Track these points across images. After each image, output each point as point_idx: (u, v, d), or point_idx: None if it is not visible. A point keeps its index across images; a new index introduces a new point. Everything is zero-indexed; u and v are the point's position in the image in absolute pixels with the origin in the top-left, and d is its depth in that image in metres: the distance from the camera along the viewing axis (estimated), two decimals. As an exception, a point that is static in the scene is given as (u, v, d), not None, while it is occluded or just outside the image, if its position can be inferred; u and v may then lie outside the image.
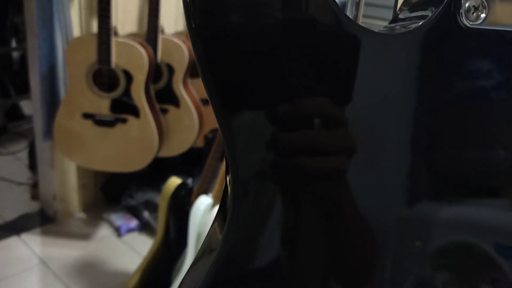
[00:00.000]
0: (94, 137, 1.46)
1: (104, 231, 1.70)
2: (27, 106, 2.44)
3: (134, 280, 1.25)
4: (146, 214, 1.72)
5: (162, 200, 1.29)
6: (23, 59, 2.36)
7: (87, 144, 1.48)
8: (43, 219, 1.73)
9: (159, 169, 1.75)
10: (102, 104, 1.44)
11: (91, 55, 1.38)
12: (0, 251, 1.54)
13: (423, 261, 0.27)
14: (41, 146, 1.63)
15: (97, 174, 1.80)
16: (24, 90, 2.30)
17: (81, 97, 1.43)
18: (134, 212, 1.73)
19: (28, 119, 2.34)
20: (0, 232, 1.63)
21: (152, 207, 1.70)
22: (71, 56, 1.41)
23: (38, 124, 1.59)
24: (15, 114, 2.44)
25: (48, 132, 1.56)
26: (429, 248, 0.27)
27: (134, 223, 1.73)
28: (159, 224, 1.29)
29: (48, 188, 1.72)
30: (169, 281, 1.25)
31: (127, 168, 1.53)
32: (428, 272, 0.27)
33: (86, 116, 1.44)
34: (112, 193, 1.80)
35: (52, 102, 1.54)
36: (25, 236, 1.63)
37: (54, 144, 1.56)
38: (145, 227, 1.72)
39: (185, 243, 1.22)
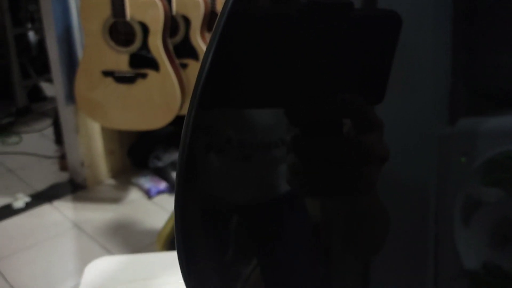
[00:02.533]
0: (115, 95, 1.44)
1: (134, 195, 1.70)
2: (48, 88, 2.45)
3: (168, 226, 1.23)
4: (174, 175, 1.70)
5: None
6: (41, 42, 2.37)
7: (108, 103, 1.46)
8: (73, 187, 1.74)
9: (184, 128, 1.73)
10: (120, 60, 1.41)
11: (105, 9, 1.35)
12: (33, 218, 1.55)
13: (470, 177, 0.25)
14: (64, 111, 1.63)
15: (123, 140, 1.79)
16: (43, 71, 2.32)
17: (99, 54, 1.40)
18: (161, 174, 1.71)
19: (50, 100, 2.35)
20: (32, 201, 1.64)
21: (180, 167, 1.68)
22: (85, 11, 1.39)
23: (59, 89, 1.58)
24: (37, 95, 2.46)
25: (70, 95, 1.56)
26: (476, 163, 0.25)
27: (163, 185, 1.72)
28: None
29: (75, 155, 1.72)
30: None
31: (151, 126, 1.51)
32: (477, 188, 0.25)
33: (106, 73, 1.42)
34: (139, 157, 1.79)
35: (70, 65, 1.53)
36: (57, 203, 1.64)
37: (77, 108, 1.55)
38: (174, 188, 1.70)
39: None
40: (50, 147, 2.03)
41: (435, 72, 0.23)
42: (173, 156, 1.74)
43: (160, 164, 1.72)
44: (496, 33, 0.24)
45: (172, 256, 0.62)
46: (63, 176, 1.81)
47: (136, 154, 1.80)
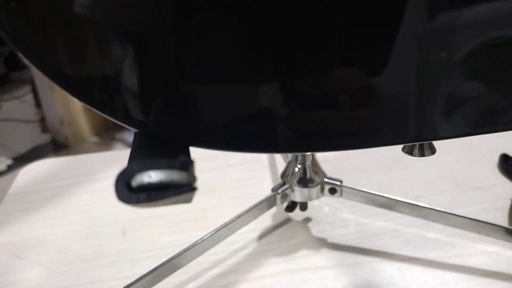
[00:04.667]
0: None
1: (119, 150, 1.65)
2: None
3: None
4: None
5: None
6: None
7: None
8: (55, 147, 1.70)
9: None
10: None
11: None
12: (16, 178, 1.51)
13: (451, 72, 0.23)
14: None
15: (101, 95, 1.73)
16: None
17: None
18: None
19: (29, 68, 2.29)
20: (14, 163, 1.60)
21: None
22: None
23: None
24: (16, 63, 2.39)
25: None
26: (457, 56, 0.23)
27: (147, 137, 1.67)
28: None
29: (53, 114, 1.66)
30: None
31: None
32: (461, 83, 0.23)
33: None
34: (119, 111, 1.74)
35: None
36: (39, 163, 1.60)
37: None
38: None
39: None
40: (31, 112, 1.97)
41: None
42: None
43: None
44: None
45: (112, 154, 0.57)
46: (44, 138, 1.76)
47: (117, 108, 1.74)
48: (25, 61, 0.23)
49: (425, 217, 0.37)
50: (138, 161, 0.13)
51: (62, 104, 1.64)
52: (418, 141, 0.22)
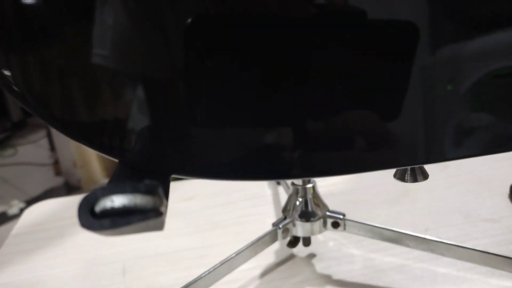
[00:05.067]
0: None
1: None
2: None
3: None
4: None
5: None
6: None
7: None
8: (68, 189, 1.70)
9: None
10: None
11: None
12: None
13: (459, 103, 0.23)
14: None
15: (113, 137, 1.75)
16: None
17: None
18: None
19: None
20: (27, 206, 1.60)
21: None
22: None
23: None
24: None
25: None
26: (463, 88, 0.23)
27: (158, 178, 1.67)
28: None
29: (67, 156, 1.68)
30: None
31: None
32: (467, 114, 0.24)
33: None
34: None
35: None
36: (52, 206, 1.60)
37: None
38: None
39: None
40: (45, 155, 2.00)
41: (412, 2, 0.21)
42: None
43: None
44: None
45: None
46: (58, 181, 1.78)
47: (129, 150, 1.76)
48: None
49: (433, 251, 0.35)
50: (102, 187, 0.13)
51: (76, 147, 1.67)
52: (428, 163, 0.22)
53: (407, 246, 0.36)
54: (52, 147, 1.98)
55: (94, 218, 0.12)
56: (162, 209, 0.14)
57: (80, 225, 0.12)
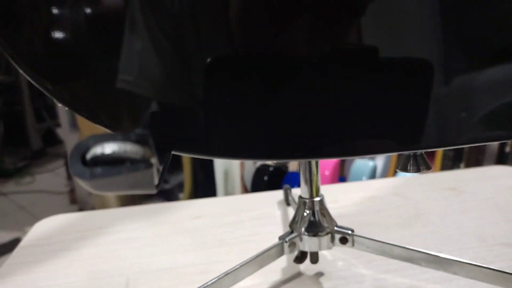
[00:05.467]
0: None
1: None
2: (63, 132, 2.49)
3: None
4: (181, 196, 1.66)
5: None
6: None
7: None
8: (82, 218, 1.71)
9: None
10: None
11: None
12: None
13: (475, 128, 0.23)
14: (69, 138, 1.63)
15: (129, 167, 1.77)
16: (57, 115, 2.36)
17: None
18: (169, 196, 1.67)
19: (64, 143, 2.39)
20: (41, 233, 1.61)
21: (187, 187, 1.64)
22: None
23: (63, 116, 1.60)
24: (53, 139, 2.49)
25: (74, 122, 1.57)
26: (477, 116, 0.23)
27: (172, 208, 1.67)
28: (186, 175, 1.22)
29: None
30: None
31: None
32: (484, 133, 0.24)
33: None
34: (146, 183, 1.76)
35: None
36: (65, 233, 1.60)
37: (81, 134, 1.55)
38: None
39: (214, 187, 1.14)
40: (61, 184, 2.02)
41: (425, 35, 0.22)
42: (180, 177, 1.70)
43: (167, 186, 1.68)
44: None
45: (122, 211, 0.56)
46: (72, 208, 1.78)
47: (144, 180, 1.77)
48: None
49: (445, 269, 0.34)
50: (94, 135, 0.13)
51: (91, 175, 1.69)
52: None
53: (419, 264, 0.35)
54: (69, 176, 2.00)
55: (85, 166, 0.12)
56: (153, 161, 0.13)
57: (71, 173, 0.12)
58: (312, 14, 0.19)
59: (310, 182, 0.36)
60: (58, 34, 0.21)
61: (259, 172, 1.06)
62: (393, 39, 0.21)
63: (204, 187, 1.20)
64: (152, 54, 0.20)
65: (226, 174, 1.11)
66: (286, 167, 1.07)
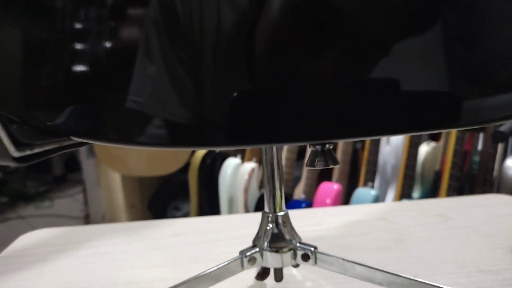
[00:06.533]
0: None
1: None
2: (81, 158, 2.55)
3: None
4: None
5: (191, 174, 1.24)
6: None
7: (124, 150, 1.49)
8: (94, 243, 1.72)
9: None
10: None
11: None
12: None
13: None
14: (86, 164, 1.66)
15: (143, 193, 1.78)
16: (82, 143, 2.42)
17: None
18: (181, 224, 1.67)
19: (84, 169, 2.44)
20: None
21: (198, 215, 1.64)
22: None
23: (80, 142, 1.63)
24: (74, 165, 2.55)
25: (91, 148, 1.60)
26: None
27: (183, 236, 1.66)
28: (192, 202, 1.22)
29: (96, 209, 1.72)
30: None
31: (166, 170, 1.50)
32: None
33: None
34: (159, 209, 1.76)
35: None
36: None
37: (98, 160, 1.58)
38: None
39: (219, 213, 1.13)
40: (78, 209, 2.05)
41: (431, 66, 0.22)
42: (188, 206, 1.70)
43: (178, 214, 1.68)
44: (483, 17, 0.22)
45: (103, 227, 0.56)
46: (86, 233, 1.80)
47: (156, 207, 1.77)
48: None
49: (408, 291, 0.32)
50: None
51: (106, 201, 1.70)
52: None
53: (380, 285, 0.33)
54: (86, 202, 2.03)
55: None
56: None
57: None
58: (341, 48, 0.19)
59: (273, 197, 0.36)
60: (78, 68, 0.23)
61: (263, 198, 1.05)
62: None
63: (210, 214, 1.19)
64: (166, 80, 0.21)
65: (231, 201, 1.10)
66: (291, 195, 1.06)
